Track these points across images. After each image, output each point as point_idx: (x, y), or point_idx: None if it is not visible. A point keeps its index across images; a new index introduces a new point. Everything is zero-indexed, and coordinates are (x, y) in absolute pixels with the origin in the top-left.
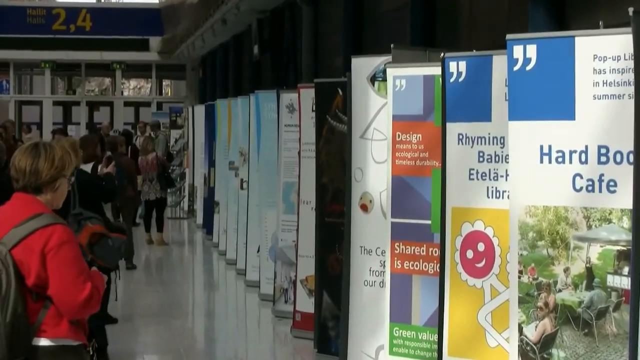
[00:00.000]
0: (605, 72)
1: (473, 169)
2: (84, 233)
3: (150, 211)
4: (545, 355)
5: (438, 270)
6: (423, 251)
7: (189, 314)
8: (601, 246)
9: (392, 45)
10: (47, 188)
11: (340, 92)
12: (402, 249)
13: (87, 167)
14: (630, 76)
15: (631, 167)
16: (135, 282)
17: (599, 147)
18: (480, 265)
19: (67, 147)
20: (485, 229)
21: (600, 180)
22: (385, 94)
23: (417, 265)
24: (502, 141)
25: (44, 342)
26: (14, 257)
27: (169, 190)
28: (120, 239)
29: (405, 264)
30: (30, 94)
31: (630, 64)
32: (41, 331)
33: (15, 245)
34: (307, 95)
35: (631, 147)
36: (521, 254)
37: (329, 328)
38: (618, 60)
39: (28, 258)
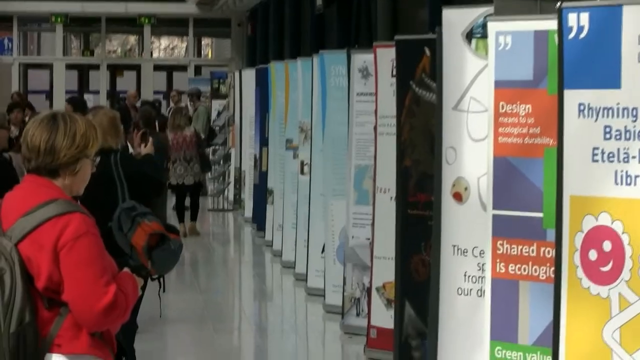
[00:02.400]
0: None
1: (597, 148)
2: (140, 233)
3: (183, 198)
4: None
5: (552, 275)
6: (533, 251)
7: (234, 329)
8: None
9: None
10: (65, 171)
11: (428, 52)
12: (507, 248)
13: None
14: None
15: None
16: (167, 288)
17: None
18: (606, 269)
19: (106, 122)
20: (612, 223)
21: None
22: (486, 55)
23: (525, 269)
24: (634, 113)
25: (58, 359)
26: (21, 253)
27: (209, 176)
28: (177, 240)
29: (510, 268)
30: (37, 55)
31: None
32: (55, 345)
33: (22, 239)
34: (386, 56)
35: None
36: None
37: (412, 348)
38: None
39: (37, 255)
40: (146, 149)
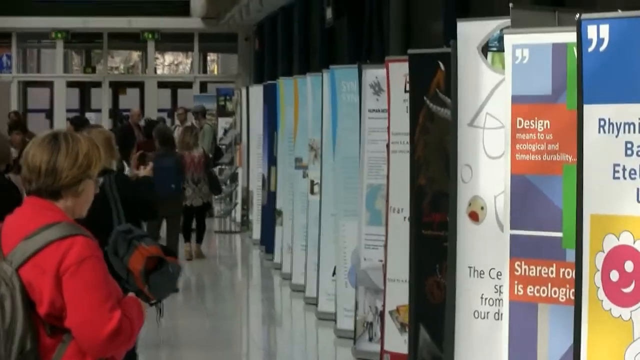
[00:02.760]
0: None
1: (619, 165)
2: (137, 256)
3: (191, 219)
4: None
5: (572, 297)
6: (552, 272)
7: (242, 355)
8: None
9: (510, 5)
10: (67, 192)
11: (442, 67)
12: (525, 269)
13: None
14: None
15: None
16: (172, 313)
17: None
18: (629, 290)
19: (101, 141)
20: (634, 243)
21: None
22: (502, 69)
23: (544, 291)
24: None
25: None
26: (22, 279)
27: (215, 197)
28: (176, 264)
29: (528, 290)
30: (37, 72)
31: None
32: None
33: (23, 263)
34: (398, 70)
35: None
36: None
37: None
38: None
39: (39, 280)
40: (145, 171)
